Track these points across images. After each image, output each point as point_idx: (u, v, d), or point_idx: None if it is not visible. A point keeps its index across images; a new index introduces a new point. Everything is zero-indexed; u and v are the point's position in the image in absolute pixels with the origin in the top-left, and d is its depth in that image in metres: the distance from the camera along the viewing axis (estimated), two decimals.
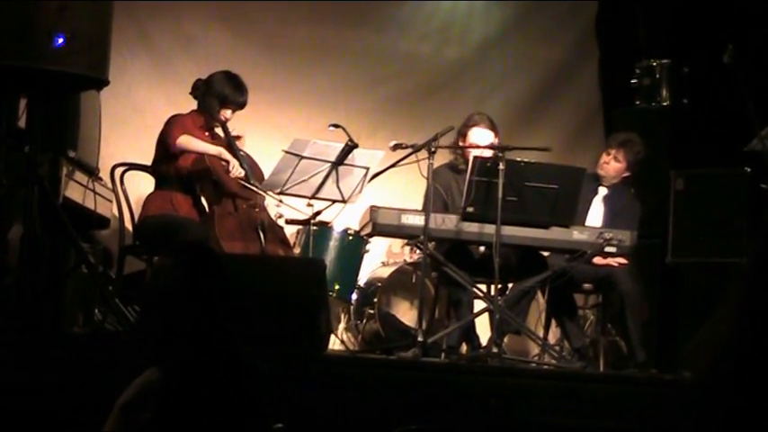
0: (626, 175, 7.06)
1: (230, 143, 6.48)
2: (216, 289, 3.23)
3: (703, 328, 5.81)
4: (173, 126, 6.32)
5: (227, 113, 6.45)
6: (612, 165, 7.04)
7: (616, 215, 7.00)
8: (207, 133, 6.45)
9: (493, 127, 6.82)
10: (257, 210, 6.45)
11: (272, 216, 6.82)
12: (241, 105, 6.47)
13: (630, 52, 8.53)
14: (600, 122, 9.12)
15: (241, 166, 6.37)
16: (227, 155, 6.35)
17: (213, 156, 6.33)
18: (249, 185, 6.39)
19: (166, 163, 6.34)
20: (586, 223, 6.83)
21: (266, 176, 6.52)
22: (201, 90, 6.47)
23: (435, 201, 6.60)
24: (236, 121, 6.66)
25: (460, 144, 6.77)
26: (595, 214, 7.04)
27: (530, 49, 9.11)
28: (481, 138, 6.76)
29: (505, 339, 7.07)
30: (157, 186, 6.41)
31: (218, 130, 6.54)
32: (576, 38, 9.31)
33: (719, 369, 2.05)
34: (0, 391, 4.71)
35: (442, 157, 6.79)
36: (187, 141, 6.28)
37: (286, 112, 8.58)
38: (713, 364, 2.07)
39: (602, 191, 7.08)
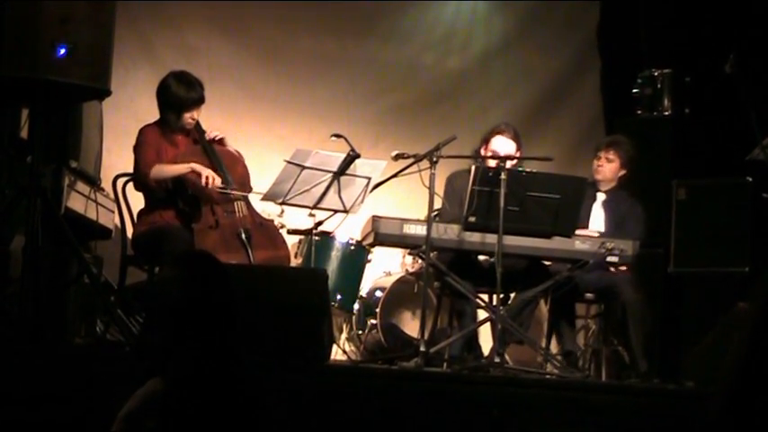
0: (622, 174, 7.05)
1: (203, 145, 6.39)
2: (220, 299, 3.21)
3: (706, 338, 5.79)
4: (142, 153, 6.21)
5: (192, 115, 6.30)
6: (607, 166, 7.04)
7: (621, 221, 6.99)
8: (179, 136, 6.37)
9: (516, 138, 6.81)
10: (238, 215, 6.36)
11: (276, 223, 6.78)
12: (199, 102, 6.30)
13: (632, 62, 8.54)
14: (601, 132, 9.11)
15: (217, 172, 6.30)
16: (198, 167, 6.22)
17: (187, 174, 6.21)
18: (227, 191, 6.31)
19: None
20: (589, 230, 6.84)
21: (268, 187, 6.50)
22: (159, 102, 6.32)
23: (453, 202, 6.61)
24: (237, 129, 6.64)
25: (481, 150, 6.79)
26: (596, 220, 7.04)
27: (532, 59, 9.12)
28: (502, 146, 6.75)
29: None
30: (146, 202, 6.34)
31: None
32: (577, 48, 9.31)
33: (733, 384, 2.05)
34: (2, 402, 4.71)
35: (447, 167, 6.79)
36: (159, 171, 6.18)
37: (288, 123, 8.59)
38: (727, 380, 2.06)
39: (601, 196, 7.07)
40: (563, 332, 6.93)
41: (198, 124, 6.40)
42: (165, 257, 5.70)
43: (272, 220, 6.72)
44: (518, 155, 6.77)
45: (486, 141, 6.81)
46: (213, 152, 6.39)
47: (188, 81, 6.30)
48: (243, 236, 6.23)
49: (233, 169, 6.41)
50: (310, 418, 5.01)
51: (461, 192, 6.68)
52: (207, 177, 6.17)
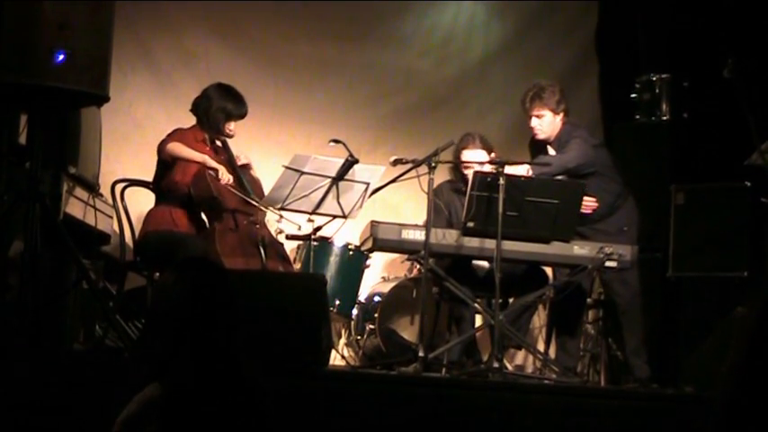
0: (560, 119, 6.83)
1: (230, 157, 6.48)
2: (220, 305, 3.21)
3: (705, 342, 5.78)
4: (169, 136, 6.40)
5: (230, 126, 6.48)
6: (542, 122, 6.83)
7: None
8: (208, 147, 6.46)
9: (485, 145, 6.85)
10: (258, 226, 6.43)
11: (273, 232, 6.81)
12: (244, 116, 6.53)
13: (630, 67, 8.54)
14: (597, 137, 9.11)
15: (242, 187, 6.37)
16: (212, 162, 6.34)
17: (198, 162, 6.33)
18: (242, 194, 6.36)
19: (165, 178, 6.34)
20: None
21: (267, 192, 6.52)
22: (203, 106, 6.47)
23: (438, 216, 6.60)
24: (236, 135, 6.66)
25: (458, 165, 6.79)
26: None
27: (529, 65, 9.08)
28: (474, 158, 6.80)
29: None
30: (157, 202, 6.41)
31: (219, 143, 6.54)
32: (575, 53, 9.28)
33: (732, 390, 2.05)
34: (2, 408, 4.70)
35: (443, 173, 6.80)
36: (175, 147, 6.34)
37: (287, 128, 8.57)
38: (725, 386, 2.06)
39: (551, 151, 6.89)
40: (566, 346, 6.91)
41: (226, 144, 6.52)
42: None
43: (282, 244, 6.74)
44: (492, 156, 6.78)
45: (458, 159, 6.85)
46: (237, 169, 6.50)
47: (235, 94, 6.52)
48: (260, 245, 6.30)
49: (254, 190, 6.53)
50: (309, 424, 5.00)
51: (447, 203, 6.80)
52: (221, 173, 6.30)
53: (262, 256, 6.29)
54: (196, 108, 6.52)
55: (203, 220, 6.36)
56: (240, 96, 6.51)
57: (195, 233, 6.33)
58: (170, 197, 6.35)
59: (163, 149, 6.35)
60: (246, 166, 6.58)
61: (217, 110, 6.43)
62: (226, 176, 6.32)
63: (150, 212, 6.39)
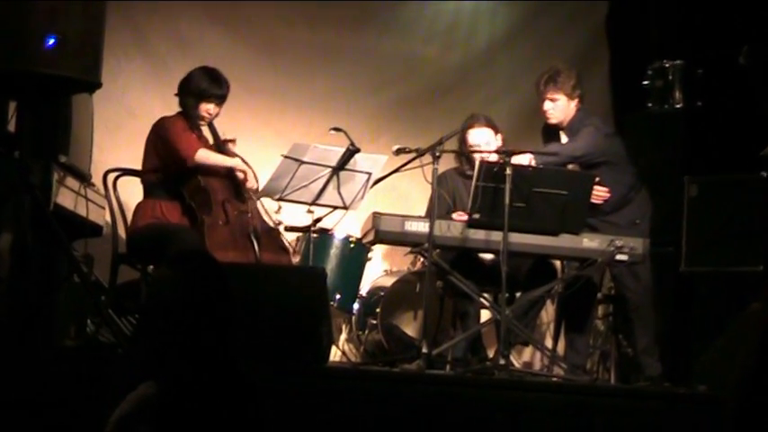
0: (575, 106, 6.72)
1: (218, 144, 6.38)
2: (217, 300, 3.18)
3: (718, 340, 5.71)
4: (175, 135, 6.18)
5: (208, 108, 6.29)
6: (555, 106, 6.71)
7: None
8: (194, 134, 6.32)
9: (491, 124, 6.78)
10: (249, 216, 6.33)
11: (272, 222, 6.71)
12: (221, 98, 6.30)
13: (642, 53, 8.47)
14: (611, 126, 9.02)
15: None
16: (242, 165, 6.26)
17: (230, 168, 6.24)
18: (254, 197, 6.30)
19: (169, 158, 6.20)
20: None
21: (265, 182, 6.45)
22: (181, 90, 6.35)
23: (441, 207, 6.55)
24: (234, 124, 6.56)
25: (464, 149, 6.75)
26: None
27: (537, 52, 9.06)
28: (480, 137, 6.73)
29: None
30: (145, 195, 6.33)
31: (206, 130, 6.40)
32: (585, 39, 9.28)
33: (745, 388, 1.99)
34: None
35: (448, 162, 6.79)
36: (206, 156, 6.17)
37: (286, 117, 8.56)
38: (739, 384, 2.01)
39: (564, 138, 6.80)
40: (575, 343, 6.84)
41: (215, 130, 6.39)
42: None
43: (278, 230, 6.64)
44: (499, 138, 6.74)
45: (463, 141, 6.77)
46: (229, 153, 6.39)
47: (214, 75, 6.34)
48: (252, 235, 6.20)
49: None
50: (309, 422, 5.00)
51: (453, 192, 6.77)
52: (245, 173, 6.22)
53: (255, 249, 6.20)
54: (180, 91, 6.38)
55: (193, 212, 6.23)
56: (219, 78, 6.32)
57: (185, 225, 6.19)
58: (158, 189, 6.24)
59: (189, 158, 6.09)
60: (234, 142, 6.45)
61: (190, 92, 6.29)
62: (252, 182, 6.25)
63: (138, 206, 6.32)
